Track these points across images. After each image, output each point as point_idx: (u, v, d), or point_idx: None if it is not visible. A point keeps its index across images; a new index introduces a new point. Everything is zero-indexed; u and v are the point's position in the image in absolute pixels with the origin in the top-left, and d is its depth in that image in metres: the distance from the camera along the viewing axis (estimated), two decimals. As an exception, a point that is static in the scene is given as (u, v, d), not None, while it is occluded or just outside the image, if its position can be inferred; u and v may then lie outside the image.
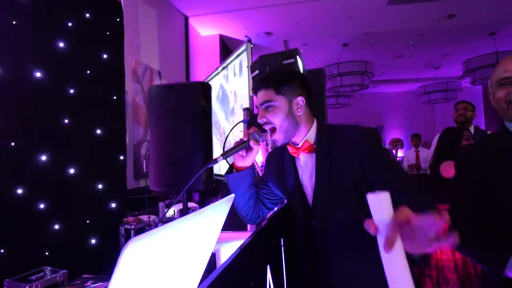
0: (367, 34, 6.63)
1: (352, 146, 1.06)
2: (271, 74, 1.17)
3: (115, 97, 2.72)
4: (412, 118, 11.94)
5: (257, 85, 1.14)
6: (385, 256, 0.59)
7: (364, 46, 7.32)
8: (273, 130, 1.10)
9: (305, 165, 1.15)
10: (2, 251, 1.98)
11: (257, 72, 1.92)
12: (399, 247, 0.58)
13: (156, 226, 2.34)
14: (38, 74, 2.22)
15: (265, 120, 1.10)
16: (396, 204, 0.92)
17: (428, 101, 10.15)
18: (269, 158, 1.32)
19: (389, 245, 0.56)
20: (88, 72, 2.52)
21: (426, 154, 4.99)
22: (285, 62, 1.78)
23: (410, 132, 7.33)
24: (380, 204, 0.59)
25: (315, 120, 1.16)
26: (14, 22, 1.98)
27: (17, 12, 2.07)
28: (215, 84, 3.74)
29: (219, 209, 0.69)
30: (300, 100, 1.11)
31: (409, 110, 12.08)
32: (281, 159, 1.23)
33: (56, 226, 2.24)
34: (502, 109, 1.06)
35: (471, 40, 7.25)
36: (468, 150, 1.18)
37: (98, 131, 2.57)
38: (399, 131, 11.60)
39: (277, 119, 1.08)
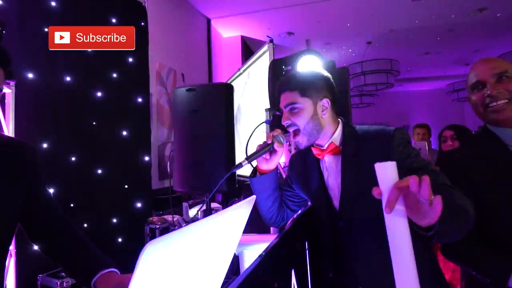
0: (392, 31, 6.43)
1: (380, 146, 1.02)
2: (296, 76, 1.14)
3: (140, 99, 2.78)
4: (440, 117, 11.46)
5: (281, 86, 1.13)
6: (389, 229, 0.63)
7: (388, 43, 7.11)
8: (296, 132, 1.08)
9: (330, 167, 1.12)
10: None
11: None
12: (402, 222, 0.62)
13: (180, 226, 2.37)
14: (68, 78, 2.31)
15: (289, 122, 1.08)
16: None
17: (457, 99, 9.76)
18: (293, 160, 1.30)
19: (389, 206, 0.61)
20: (114, 75, 2.60)
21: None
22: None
23: (437, 131, 7.04)
24: (385, 172, 0.64)
25: (340, 121, 1.13)
26: (45, 29, 2.07)
27: (47, 19, 2.16)
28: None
29: (240, 211, 0.68)
30: (325, 102, 1.08)
31: (437, 108, 11.62)
32: (304, 161, 1.21)
33: (84, 225, 2.32)
34: (480, 112, 1.08)
35: (504, 34, 6.87)
36: (451, 154, 1.17)
37: (124, 133, 2.64)
38: (426, 131, 11.18)
39: (302, 121, 1.06)
